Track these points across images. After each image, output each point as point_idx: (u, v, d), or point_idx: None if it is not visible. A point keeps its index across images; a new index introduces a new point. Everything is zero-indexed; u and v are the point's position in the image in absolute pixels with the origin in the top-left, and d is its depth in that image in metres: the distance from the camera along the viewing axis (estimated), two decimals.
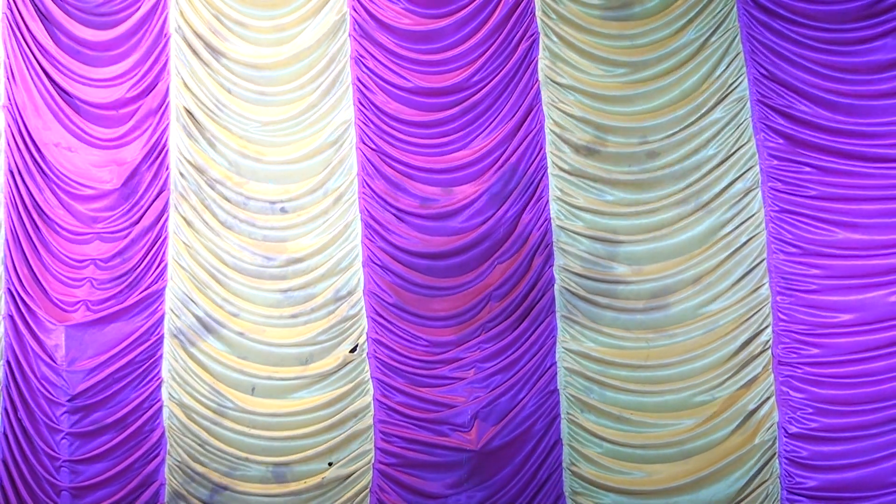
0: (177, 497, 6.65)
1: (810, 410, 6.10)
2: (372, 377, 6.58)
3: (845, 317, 6.12)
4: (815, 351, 6.14)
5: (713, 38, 6.41)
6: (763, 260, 6.23)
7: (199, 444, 6.66)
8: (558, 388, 6.41)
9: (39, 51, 7.03)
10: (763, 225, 6.25)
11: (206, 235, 6.83)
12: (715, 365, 6.26)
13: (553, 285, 6.47)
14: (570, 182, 6.50)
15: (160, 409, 6.72)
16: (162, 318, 6.79)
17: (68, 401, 6.74)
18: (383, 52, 6.75)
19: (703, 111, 6.40)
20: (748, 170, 6.31)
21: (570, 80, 6.55)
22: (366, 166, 6.71)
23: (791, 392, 6.12)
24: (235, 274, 6.80)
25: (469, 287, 6.58)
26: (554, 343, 6.45)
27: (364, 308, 6.62)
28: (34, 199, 6.95)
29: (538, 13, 6.60)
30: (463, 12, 6.70)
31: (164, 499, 6.66)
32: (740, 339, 6.23)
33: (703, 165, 6.38)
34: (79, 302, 6.88)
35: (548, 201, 6.50)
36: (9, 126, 6.99)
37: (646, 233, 6.42)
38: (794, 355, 6.15)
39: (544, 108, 6.56)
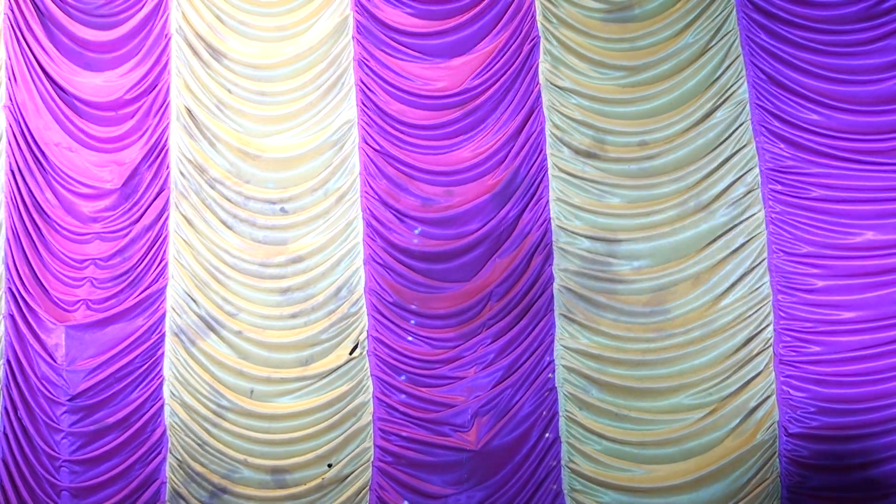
0: (177, 497, 6.63)
1: (811, 409, 6.10)
2: (371, 375, 6.58)
3: (846, 315, 6.13)
4: (815, 349, 6.15)
5: (713, 42, 6.44)
6: (763, 260, 6.25)
7: (199, 444, 6.64)
8: (556, 385, 6.42)
9: (41, 51, 7.03)
10: (763, 226, 6.27)
11: (206, 235, 6.83)
12: (715, 363, 6.27)
13: (552, 284, 6.48)
14: (570, 184, 6.52)
15: (161, 407, 6.71)
16: (163, 317, 6.78)
17: (69, 400, 6.73)
18: (386, 55, 6.78)
19: (702, 114, 6.42)
20: (748, 171, 6.33)
21: (570, 83, 6.58)
22: (368, 166, 6.72)
23: (791, 391, 6.13)
24: (236, 273, 6.80)
25: (469, 286, 6.60)
26: (552, 341, 6.45)
27: (365, 306, 6.63)
28: (35, 198, 6.94)
29: (539, 17, 6.63)
30: (465, 16, 6.73)
31: (165, 497, 6.64)
32: (741, 337, 6.23)
33: (702, 168, 6.40)
34: (79, 301, 6.87)
35: (548, 202, 6.52)
36: (10, 126, 6.98)
37: (646, 231, 6.43)
38: (795, 354, 6.16)
39: (545, 111, 6.58)
